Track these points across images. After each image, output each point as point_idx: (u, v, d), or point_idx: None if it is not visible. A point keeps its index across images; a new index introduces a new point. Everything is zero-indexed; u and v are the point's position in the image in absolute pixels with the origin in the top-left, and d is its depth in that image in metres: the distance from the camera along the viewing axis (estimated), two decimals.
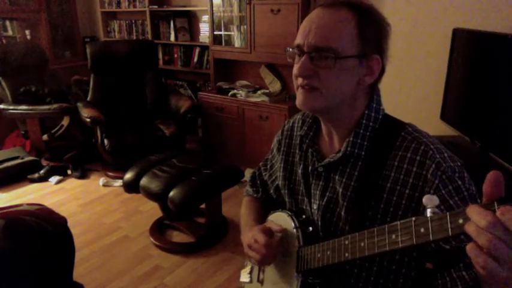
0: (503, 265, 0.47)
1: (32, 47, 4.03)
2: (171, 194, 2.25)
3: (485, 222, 0.47)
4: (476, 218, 0.48)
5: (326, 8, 0.78)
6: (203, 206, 2.45)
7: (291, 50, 0.82)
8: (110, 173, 3.46)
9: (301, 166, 0.96)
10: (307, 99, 0.80)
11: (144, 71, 3.79)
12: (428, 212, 0.57)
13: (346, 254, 0.72)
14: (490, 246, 0.47)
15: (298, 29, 0.82)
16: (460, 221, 0.51)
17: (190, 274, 2.21)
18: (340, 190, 0.85)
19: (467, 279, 0.67)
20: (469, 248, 0.50)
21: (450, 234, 0.53)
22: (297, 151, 0.98)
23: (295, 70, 0.80)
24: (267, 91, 3.47)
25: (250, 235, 0.96)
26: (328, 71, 0.77)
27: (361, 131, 0.82)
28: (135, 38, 4.53)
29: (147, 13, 4.17)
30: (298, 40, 0.80)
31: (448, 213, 0.54)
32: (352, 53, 0.76)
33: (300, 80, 0.80)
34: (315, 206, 0.91)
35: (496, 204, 0.48)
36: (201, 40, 3.92)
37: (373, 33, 0.78)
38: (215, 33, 3.58)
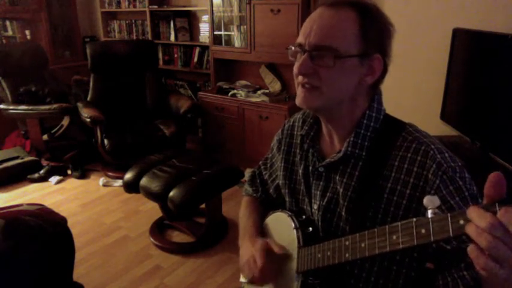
0: (504, 266, 0.47)
1: (32, 47, 4.03)
2: (171, 194, 2.25)
3: (485, 223, 0.47)
4: (476, 219, 0.48)
5: (328, 7, 0.78)
6: (203, 206, 2.45)
7: (293, 48, 0.82)
8: (110, 173, 3.46)
9: (302, 166, 0.96)
10: (307, 97, 0.80)
11: (144, 71, 3.79)
12: (429, 213, 0.57)
13: (347, 255, 0.72)
14: (490, 247, 0.47)
15: (299, 28, 0.82)
16: (461, 222, 0.51)
17: (190, 274, 2.21)
18: (341, 190, 0.85)
19: (468, 279, 0.67)
20: (470, 249, 0.50)
21: (451, 235, 0.53)
22: (298, 151, 0.98)
23: (295, 68, 0.80)
24: (267, 91, 3.47)
25: (249, 252, 0.95)
26: (328, 70, 0.76)
27: (362, 131, 0.82)
28: (135, 38, 4.53)
29: (147, 13, 4.17)
30: (300, 39, 0.80)
31: (449, 214, 0.54)
32: (353, 52, 0.76)
33: (300, 78, 0.80)
34: (315, 206, 0.91)
35: (497, 206, 0.48)
36: (201, 40, 3.91)
37: (375, 33, 0.78)
38: (215, 33, 3.58)
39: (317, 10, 0.80)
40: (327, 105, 0.81)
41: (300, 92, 0.82)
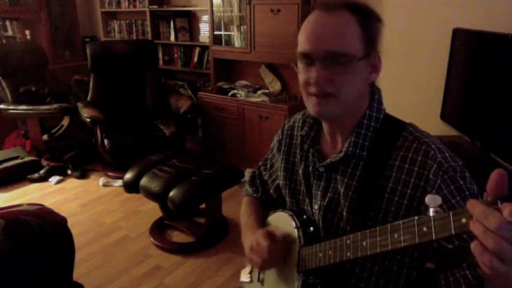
0: (508, 263, 0.47)
1: (32, 47, 4.02)
2: (171, 194, 2.25)
3: (493, 223, 0.46)
4: (482, 218, 0.48)
5: (326, 12, 0.77)
6: (203, 206, 2.45)
7: (299, 60, 0.80)
8: (110, 173, 3.46)
9: (302, 166, 0.96)
10: (323, 106, 0.79)
11: (144, 71, 3.79)
12: (431, 212, 0.57)
13: (348, 254, 0.72)
14: (497, 247, 0.47)
15: (299, 29, 0.81)
16: (463, 220, 0.51)
17: (190, 274, 2.21)
18: (342, 190, 0.85)
19: (470, 279, 0.67)
20: (474, 246, 0.50)
21: (453, 233, 0.53)
22: (298, 151, 0.98)
23: (311, 79, 0.77)
24: (267, 91, 3.47)
25: (253, 238, 0.96)
26: (342, 76, 0.76)
27: (363, 131, 0.83)
28: (135, 38, 4.53)
29: (147, 13, 4.17)
30: (306, 48, 0.78)
31: (451, 213, 0.54)
32: (361, 55, 0.77)
33: (313, 89, 0.78)
34: (316, 207, 0.91)
35: (499, 203, 0.48)
36: (201, 40, 3.91)
37: (373, 32, 0.79)
38: (215, 33, 3.58)
39: (315, 16, 0.79)
40: (343, 110, 0.80)
41: (314, 101, 0.80)
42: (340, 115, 0.82)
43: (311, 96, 0.80)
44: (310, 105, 0.81)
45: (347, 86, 0.77)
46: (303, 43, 0.79)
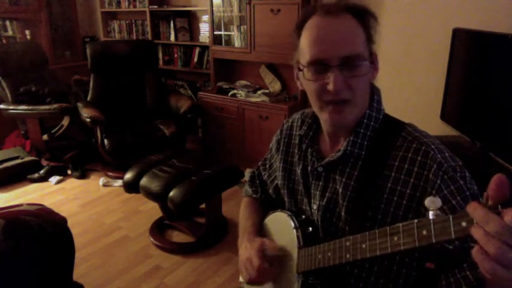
0: (509, 269, 0.47)
1: (32, 47, 4.02)
2: (171, 194, 2.25)
3: (493, 227, 0.46)
4: (483, 222, 0.48)
5: (330, 17, 0.77)
6: (203, 206, 2.45)
7: (308, 68, 0.78)
8: (110, 173, 3.46)
9: (300, 166, 0.96)
10: (343, 114, 0.79)
11: (144, 71, 3.79)
12: (431, 215, 0.56)
13: (348, 256, 0.72)
14: (498, 253, 0.46)
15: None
16: (464, 224, 0.51)
17: (190, 274, 2.21)
18: (340, 190, 0.85)
19: (471, 279, 0.66)
20: (475, 252, 0.49)
21: (453, 237, 0.52)
22: (296, 151, 0.98)
23: (329, 87, 0.76)
24: (267, 91, 3.47)
25: (247, 251, 0.95)
26: (358, 79, 0.77)
27: (362, 131, 0.83)
28: (135, 38, 4.52)
29: (147, 13, 4.16)
30: (319, 55, 0.76)
31: (451, 216, 0.53)
32: (368, 55, 0.78)
33: (329, 96, 0.77)
34: (314, 206, 0.91)
35: (499, 208, 0.47)
36: (201, 40, 3.91)
37: (372, 32, 0.80)
38: (215, 33, 3.58)
39: (318, 22, 0.78)
40: (356, 116, 0.81)
41: (330, 111, 0.79)
42: (354, 121, 0.82)
43: (327, 105, 0.79)
44: (326, 115, 0.80)
45: (360, 88, 0.78)
46: (313, 50, 0.77)
